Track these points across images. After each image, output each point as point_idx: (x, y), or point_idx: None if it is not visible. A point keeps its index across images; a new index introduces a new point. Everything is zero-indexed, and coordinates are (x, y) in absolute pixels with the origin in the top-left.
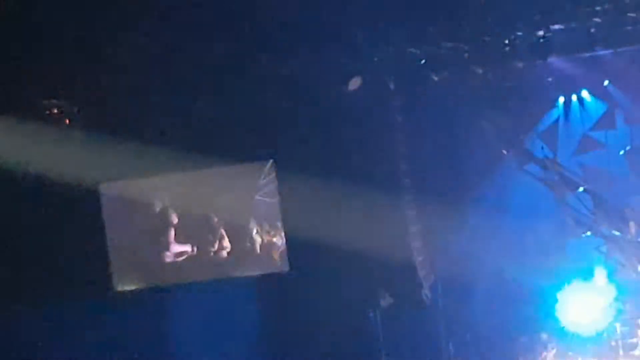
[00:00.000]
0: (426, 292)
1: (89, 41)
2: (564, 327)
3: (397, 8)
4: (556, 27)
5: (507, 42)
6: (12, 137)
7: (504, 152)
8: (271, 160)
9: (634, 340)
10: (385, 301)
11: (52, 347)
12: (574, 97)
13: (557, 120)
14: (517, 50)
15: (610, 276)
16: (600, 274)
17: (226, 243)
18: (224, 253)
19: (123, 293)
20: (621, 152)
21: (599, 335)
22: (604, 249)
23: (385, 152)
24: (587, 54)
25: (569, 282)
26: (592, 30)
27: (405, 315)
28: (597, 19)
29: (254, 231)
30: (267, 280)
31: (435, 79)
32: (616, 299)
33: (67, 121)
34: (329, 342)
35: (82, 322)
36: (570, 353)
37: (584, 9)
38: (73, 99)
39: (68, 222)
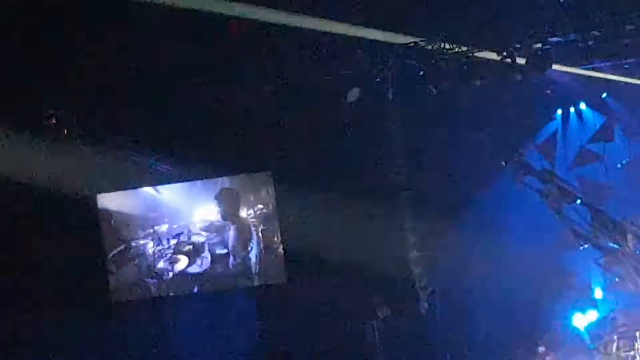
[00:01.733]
0: (424, 303)
1: (89, 52)
2: (561, 339)
3: (396, 19)
4: (554, 39)
5: (505, 54)
6: (10, 147)
7: (503, 163)
8: (269, 171)
9: (631, 352)
10: (383, 312)
11: (50, 358)
12: (572, 110)
13: (555, 133)
14: (516, 63)
15: (608, 288)
16: (598, 287)
17: (224, 254)
18: (222, 264)
19: (121, 304)
20: (619, 165)
21: (597, 347)
22: (601, 261)
23: (384, 164)
24: (586, 66)
25: (566, 295)
26: (591, 42)
27: (403, 326)
28: (595, 32)
29: (252, 242)
30: (265, 291)
31: (434, 90)
32: (614, 312)
33: (66, 131)
34: (326, 352)
35: (80, 333)
36: None
37: (582, 22)
38: (72, 109)
39: (65, 232)
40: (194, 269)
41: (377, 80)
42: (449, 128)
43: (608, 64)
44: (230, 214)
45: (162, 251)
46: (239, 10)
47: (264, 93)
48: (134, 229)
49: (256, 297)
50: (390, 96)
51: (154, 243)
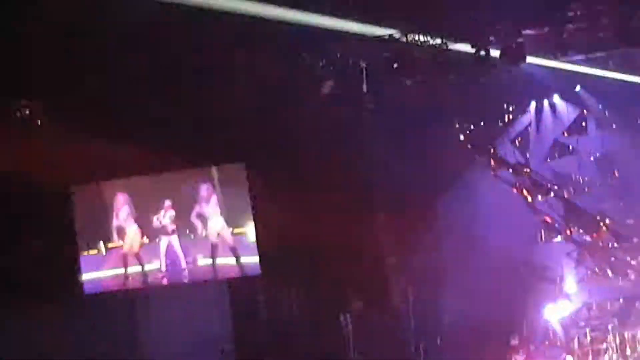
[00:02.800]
0: (397, 296)
1: (60, 42)
2: (534, 332)
3: (370, 12)
4: (529, 32)
5: (479, 46)
6: None
7: (476, 157)
8: (243, 163)
9: (603, 345)
10: (356, 305)
11: (20, 350)
12: (546, 103)
13: (529, 126)
14: (490, 56)
15: (581, 281)
16: (571, 279)
17: (197, 247)
18: (195, 257)
19: (93, 297)
20: (592, 158)
21: (570, 340)
22: (575, 254)
23: (357, 155)
24: (560, 60)
25: (539, 287)
26: (565, 35)
27: (376, 319)
28: (569, 25)
29: (226, 234)
30: (239, 283)
31: (408, 83)
32: (586, 304)
33: (38, 122)
34: (299, 345)
35: (52, 326)
36: (540, 358)
37: (556, 15)
38: (44, 100)
39: (38, 224)
40: (167, 262)
41: (352, 72)
42: (422, 121)
43: (582, 57)
44: (203, 207)
45: (135, 244)
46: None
47: (238, 84)
48: (108, 221)
49: (230, 290)
50: (364, 88)
51: (127, 236)
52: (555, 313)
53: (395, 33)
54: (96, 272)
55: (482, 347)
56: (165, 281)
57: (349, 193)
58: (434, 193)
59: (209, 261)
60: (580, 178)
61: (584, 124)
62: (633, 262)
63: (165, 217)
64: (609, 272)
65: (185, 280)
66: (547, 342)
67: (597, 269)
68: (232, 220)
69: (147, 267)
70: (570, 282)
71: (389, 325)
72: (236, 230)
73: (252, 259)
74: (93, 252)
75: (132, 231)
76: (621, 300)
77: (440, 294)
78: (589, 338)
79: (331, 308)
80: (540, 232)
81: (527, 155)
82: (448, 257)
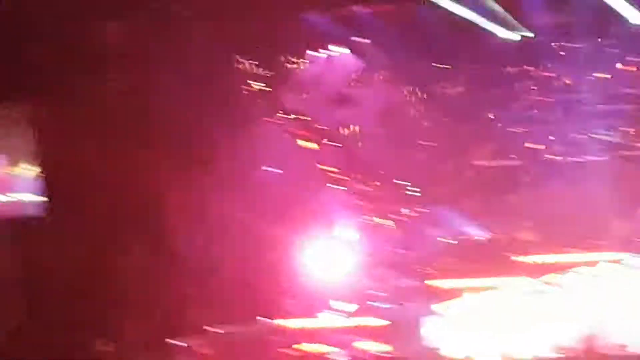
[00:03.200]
0: (175, 240)
1: None
2: (307, 282)
3: None
4: None
5: None
6: None
7: (258, 102)
8: (30, 100)
9: (381, 294)
10: (136, 249)
11: None
12: (331, 53)
13: (312, 74)
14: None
15: (360, 231)
16: (349, 229)
17: None
18: None
19: None
20: (375, 110)
21: (346, 290)
22: (355, 204)
23: (153, 92)
24: (345, 10)
25: (317, 236)
26: None
27: (154, 265)
28: None
29: (9, 173)
30: (22, 223)
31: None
32: (365, 254)
33: None
34: (78, 290)
35: None
36: (312, 309)
37: None
38: None
39: None
40: None
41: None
42: (204, 64)
43: (368, 9)
44: None
45: None
46: None
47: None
48: None
49: (13, 230)
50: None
51: None
52: (332, 263)
53: None
54: None
55: (251, 292)
56: None
57: (137, 132)
58: (214, 138)
59: None
60: (361, 129)
61: (369, 76)
62: (409, 212)
63: None
64: (387, 223)
65: None
66: (322, 293)
67: (376, 219)
68: (15, 158)
69: None
70: (349, 232)
71: (165, 272)
72: (20, 169)
73: (35, 198)
74: None
75: None
76: (400, 250)
77: (214, 242)
78: (365, 287)
79: (112, 252)
80: (321, 181)
81: (310, 104)
82: (228, 204)
